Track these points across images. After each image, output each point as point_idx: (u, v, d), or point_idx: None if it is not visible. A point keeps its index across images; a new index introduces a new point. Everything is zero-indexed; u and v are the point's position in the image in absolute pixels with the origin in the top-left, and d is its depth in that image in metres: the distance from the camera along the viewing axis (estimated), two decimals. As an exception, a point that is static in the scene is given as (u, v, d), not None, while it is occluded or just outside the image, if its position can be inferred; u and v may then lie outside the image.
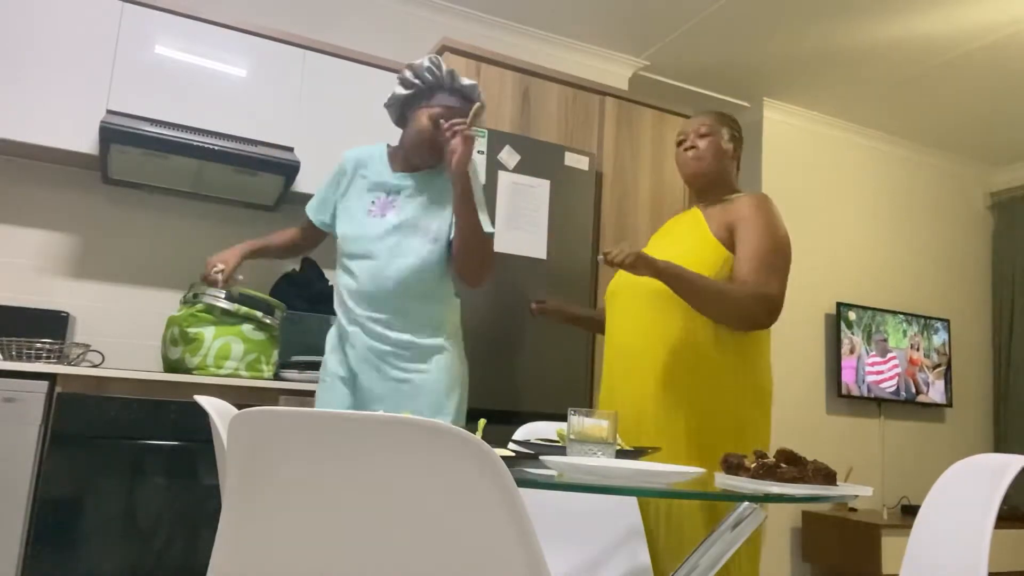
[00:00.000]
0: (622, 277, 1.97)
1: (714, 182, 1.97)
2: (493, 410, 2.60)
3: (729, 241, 1.85)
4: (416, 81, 1.99)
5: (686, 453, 1.75)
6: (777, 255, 1.79)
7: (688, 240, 1.89)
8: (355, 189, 2.05)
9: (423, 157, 2.01)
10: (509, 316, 2.68)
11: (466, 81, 1.99)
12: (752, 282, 1.75)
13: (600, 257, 1.66)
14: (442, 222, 2.01)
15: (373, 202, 2.01)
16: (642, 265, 1.65)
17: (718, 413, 1.76)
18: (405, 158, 2.05)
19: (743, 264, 1.78)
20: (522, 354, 2.69)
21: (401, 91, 2.01)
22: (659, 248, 1.96)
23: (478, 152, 2.71)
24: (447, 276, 2.06)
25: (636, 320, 1.87)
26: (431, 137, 1.97)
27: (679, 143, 2.02)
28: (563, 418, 2.60)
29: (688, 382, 1.77)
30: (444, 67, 1.97)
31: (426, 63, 1.96)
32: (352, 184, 2.07)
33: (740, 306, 1.72)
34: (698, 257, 1.84)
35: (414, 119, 1.99)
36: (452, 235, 2.01)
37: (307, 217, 2.17)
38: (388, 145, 2.12)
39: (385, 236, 1.97)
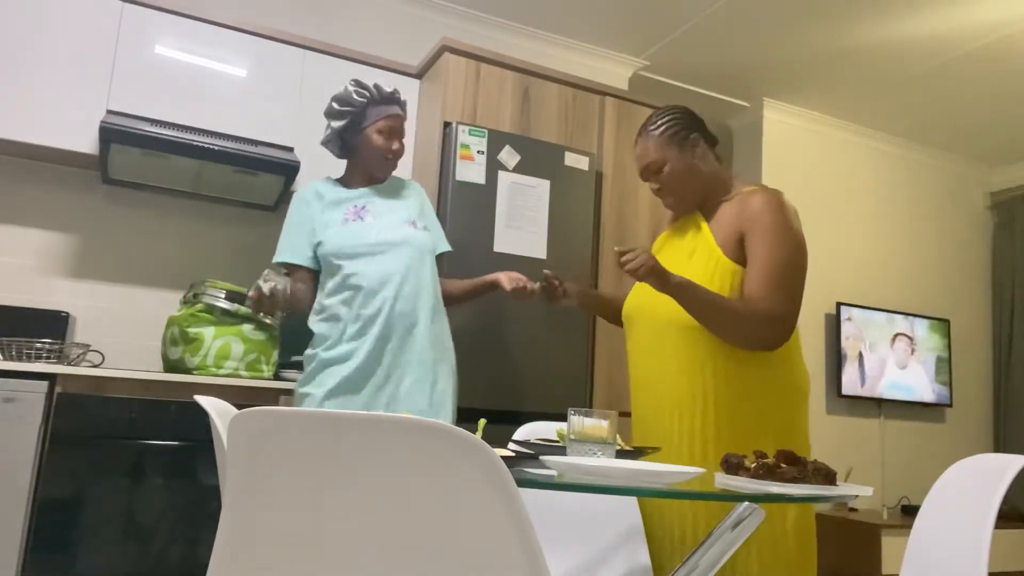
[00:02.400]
0: (636, 299, 1.85)
1: (700, 197, 1.80)
2: (493, 410, 2.60)
3: (737, 252, 1.69)
4: (348, 108, 2.07)
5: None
6: (791, 267, 1.63)
7: (691, 252, 1.75)
8: (323, 210, 2.05)
9: (385, 171, 2.12)
10: (509, 316, 2.68)
11: (388, 88, 2.10)
12: (762, 301, 1.60)
13: (616, 250, 1.56)
14: (411, 210, 2.12)
15: (344, 212, 2.05)
16: (654, 277, 1.54)
17: (757, 429, 1.65)
18: (365, 177, 2.13)
19: (753, 281, 1.63)
20: (522, 354, 2.69)
21: (337, 124, 2.08)
22: (662, 258, 1.85)
23: (478, 152, 2.71)
24: (434, 262, 2.14)
25: (654, 350, 1.76)
26: (386, 151, 2.07)
27: (647, 181, 1.83)
28: (563, 418, 2.60)
29: (719, 407, 1.66)
30: (368, 84, 2.08)
31: (351, 88, 2.07)
32: (319, 208, 2.06)
33: (750, 329, 1.59)
34: (703, 272, 1.70)
35: (364, 142, 2.08)
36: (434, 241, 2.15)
37: (291, 267, 2.05)
38: (329, 177, 2.16)
39: (371, 232, 2.02)
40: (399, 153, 2.10)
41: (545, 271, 2.00)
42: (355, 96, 2.06)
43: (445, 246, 2.23)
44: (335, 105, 2.08)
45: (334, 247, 2.00)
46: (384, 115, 2.06)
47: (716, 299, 1.59)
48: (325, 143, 2.13)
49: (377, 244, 2.00)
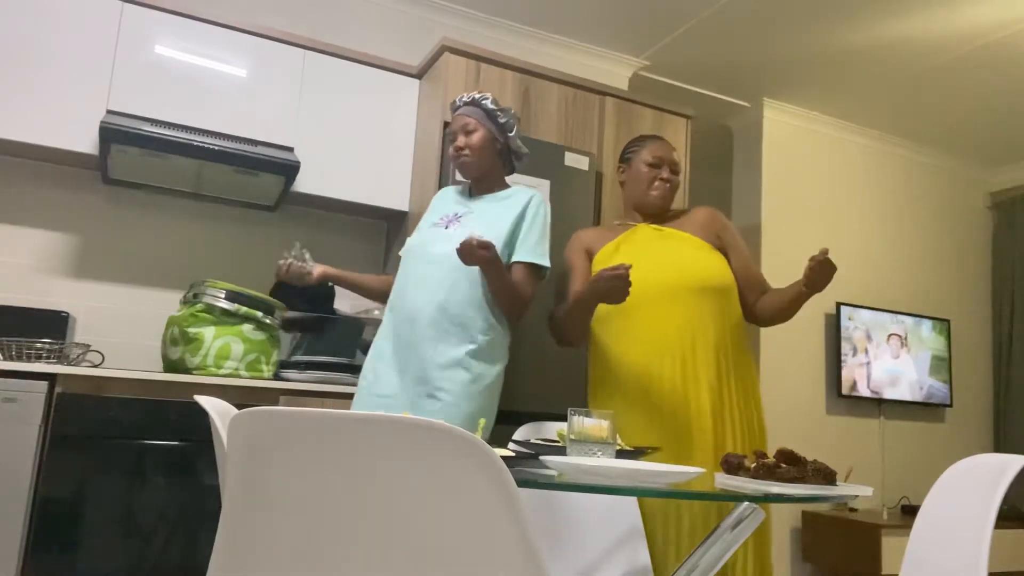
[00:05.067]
0: (649, 279, 1.97)
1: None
2: (493, 410, 2.60)
3: (719, 247, 2.06)
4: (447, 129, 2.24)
5: (736, 443, 1.89)
6: None
7: (694, 252, 2.01)
8: (433, 211, 2.19)
9: (462, 172, 2.15)
10: (509, 316, 2.68)
11: (466, 97, 2.16)
12: (765, 283, 2.07)
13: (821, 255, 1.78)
14: (495, 227, 2.03)
15: (441, 218, 2.13)
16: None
17: (754, 402, 1.99)
18: (474, 183, 2.21)
19: (751, 267, 2.06)
20: (522, 354, 2.69)
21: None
22: (653, 263, 2.00)
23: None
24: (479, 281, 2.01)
25: (689, 318, 1.94)
26: (452, 154, 2.14)
27: (653, 165, 2.08)
28: (563, 418, 2.60)
29: (739, 374, 1.96)
30: (457, 100, 2.16)
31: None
32: (432, 209, 2.22)
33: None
34: (708, 259, 1.99)
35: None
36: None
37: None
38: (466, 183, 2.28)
39: (432, 241, 2.05)
40: (462, 149, 2.10)
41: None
42: (446, 120, 2.25)
43: (524, 256, 2.03)
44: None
45: (405, 247, 2.15)
46: (452, 120, 2.15)
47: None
48: None
49: (427, 254, 2.04)
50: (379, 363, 2.05)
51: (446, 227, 2.08)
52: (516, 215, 2.05)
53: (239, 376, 2.54)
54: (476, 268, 1.97)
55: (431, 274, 2.00)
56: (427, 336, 1.96)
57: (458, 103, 2.15)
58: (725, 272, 2.00)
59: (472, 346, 1.96)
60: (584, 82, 3.12)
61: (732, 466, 1.17)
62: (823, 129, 4.64)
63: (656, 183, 2.06)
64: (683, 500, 1.75)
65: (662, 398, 1.90)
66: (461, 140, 2.10)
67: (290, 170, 2.77)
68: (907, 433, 4.65)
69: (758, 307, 2.05)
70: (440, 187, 2.72)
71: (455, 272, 1.98)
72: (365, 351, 2.65)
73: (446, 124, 2.77)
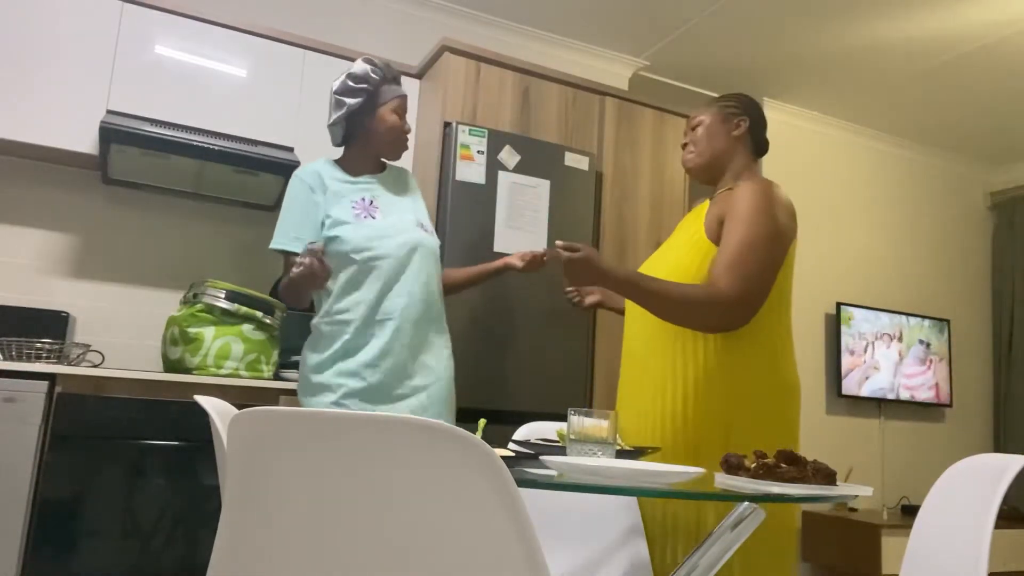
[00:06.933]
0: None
1: (718, 170, 1.83)
2: (493, 410, 2.60)
3: (717, 233, 1.71)
4: (364, 86, 2.00)
5: (691, 458, 1.71)
6: (754, 249, 1.61)
7: (682, 239, 1.80)
8: (330, 199, 1.97)
9: (400, 152, 2.08)
10: (509, 316, 2.68)
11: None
12: (716, 283, 1.60)
13: (558, 244, 1.55)
14: (418, 212, 2.10)
15: (353, 205, 1.97)
16: (591, 276, 1.55)
17: (733, 415, 1.65)
18: (371, 162, 2.07)
19: (716, 261, 1.64)
20: (522, 354, 2.69)
21: (353, 102, 1.99)
22: (662, 249, 1.91)
23: (478, 152, 2.72)
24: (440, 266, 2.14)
25: (642, 324, 1.81)
26: (402, 130, 2.05)
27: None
28: (563, 418, 2.60)
29: (697, 387, 1.67)
30: (378, 61, 2.05)
31: (367, 67, 2.01)
32: (326, 195, 1.97)
33: (700, 312, 1.59)
34: (684, 257, 1.73)
35: (378, 122, 2.01)
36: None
37: (288, 256, 1.94)
38: (329, 159, 2.06)
39: (389, 231, 1.97)
40: (407, 133, 2.09)
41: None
42: (371, 74, 2.00)
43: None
44: (350, 83, 1.99)
45: (354, 244, 1.91)
46: (398, 95, 2.04)
47: (660, 287, 1.59)
48: (333, 125, 2.02)
49: (398, 246, 1.95)
50: (394, 374, 1.95)
51: (372, 217, 1.97)
52: (422, 206, 2.14)
53: (239, 376, 2.54)
54: (436, 257, 2.05)
55: (405, 268, 1.97)
56: (421, 331, 1.99)
57: (394, 72, 2.07)
58: (680, 276, 1.70)
59: (445, 327, 2.10)
60: (584, 82, 3.12)
61: (732, 466, 1.17)
62: (823, 129, 4.64)
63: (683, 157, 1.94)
64: (684, 500, 1.74)
65: (619, 398, 1.89)
66: (407, 126, 2.07)
67: (290, 170, 2.77)
68: (907, 433, 4.65)
69: None
70: (440, 188, 2.72)
71: (428, 264, 2.02)
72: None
73: (446, 124, 2.77)
